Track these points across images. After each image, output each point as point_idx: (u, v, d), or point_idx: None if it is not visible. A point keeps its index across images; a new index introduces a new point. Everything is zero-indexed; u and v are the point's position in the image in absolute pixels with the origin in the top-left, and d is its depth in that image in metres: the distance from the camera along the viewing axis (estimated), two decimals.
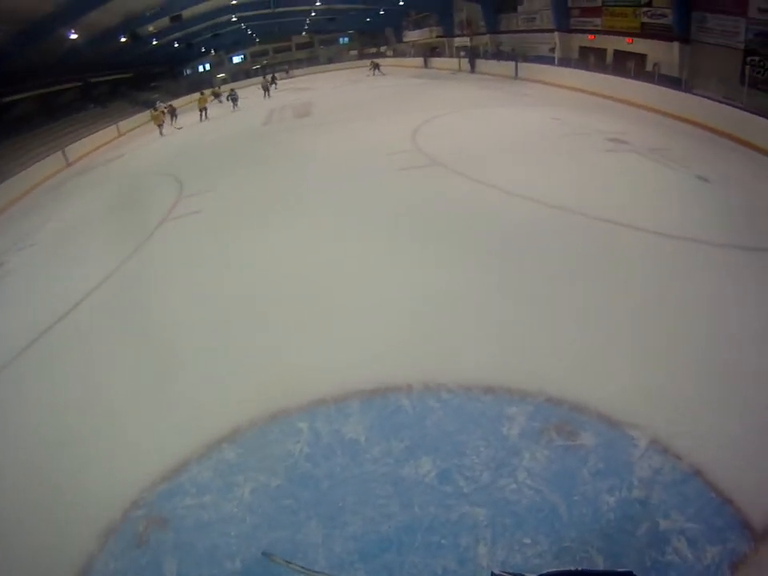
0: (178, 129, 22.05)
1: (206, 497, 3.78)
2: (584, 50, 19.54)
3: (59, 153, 20.06)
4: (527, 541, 3.12)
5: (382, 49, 41.37)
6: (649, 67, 15.75)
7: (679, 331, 4.76)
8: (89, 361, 5.87)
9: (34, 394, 5.47)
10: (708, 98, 12.11)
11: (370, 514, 3.42)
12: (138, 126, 27.58)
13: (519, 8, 23.52)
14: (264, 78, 30.81)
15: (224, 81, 39.13)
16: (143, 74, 36.44)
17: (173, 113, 23.54)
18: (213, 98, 26.37)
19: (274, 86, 29.71)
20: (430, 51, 31.76)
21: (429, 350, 4.92)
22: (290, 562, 3.05)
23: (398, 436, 3.99)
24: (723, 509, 3.14)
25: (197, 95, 26.29)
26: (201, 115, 23.48)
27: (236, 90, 26.61)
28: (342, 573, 3.09)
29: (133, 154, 18.83)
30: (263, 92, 27.59)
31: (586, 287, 5.61)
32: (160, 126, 21.59)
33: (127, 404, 5.00)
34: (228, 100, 25.64)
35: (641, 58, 16.44)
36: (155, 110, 24.50)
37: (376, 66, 30.62)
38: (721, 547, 2.95)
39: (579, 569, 2.82)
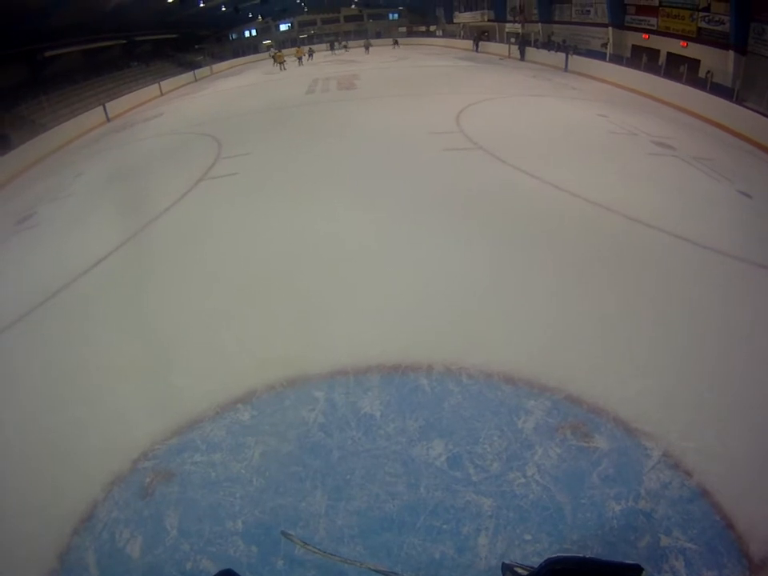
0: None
1: (215, 455, 3.83)
2: (637, 49, 18.92)
3: (100, 108, 20.38)
4: (528, 537, 3.09)
5: (432, 28, 40.46)
6: (701, 74, 15.16)
7: (708, 345, 4.62)
8: (113, 311, 5.97)
9: (61, 340, 5.60)
10: (760, 112, 11.64)
11: (376, 490, 3.42)
12: (181, 86, 27.81)
13: None
14: (332, 42, 36.99)
15: (269, 48, 39.68)
16: (188, 36, 36.48)
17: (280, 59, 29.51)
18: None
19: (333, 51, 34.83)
20: (479, 35, 30.99)
21: (451, 334, 4.89)
22: (306, 543, 3.07)
23: (413, 415, 3.98)
24: (725, 534, 3.07)
25: (242, 59, 36.05)
26: (299, 61, 29.74)
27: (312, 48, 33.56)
28: (341, 547, 3.10)
29: (173, 113, 18.85)
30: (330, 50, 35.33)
31: (612, 288, 5.47)
32: (282, 63, 28.23)
33: (153, 353, 5.12)
34: (308, 55, 31.34)
35: (694, 63, 15.83)
36: (278, 51, 31.64)
37: (395, 42, 35.89)
38: (717, 573, 2.89)
39: (587, 555, 2.80)
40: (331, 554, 3.03)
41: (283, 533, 3.17)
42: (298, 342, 4.95)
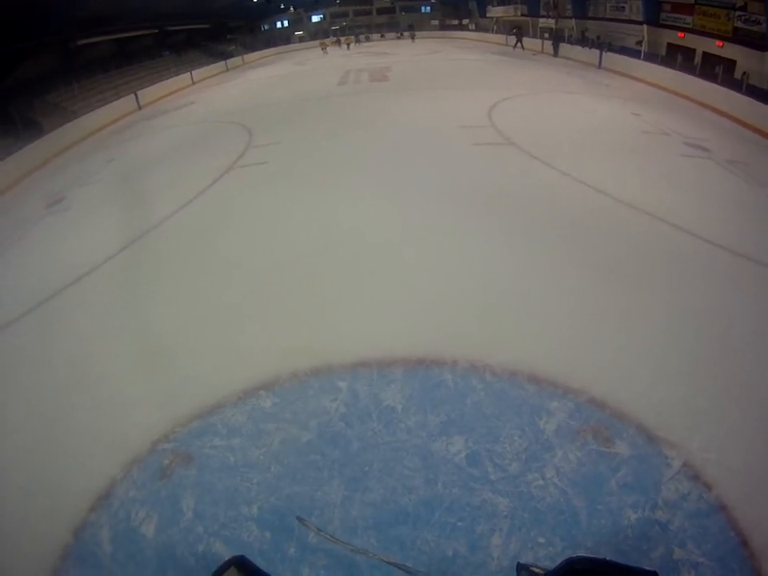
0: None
1: (235, 440, 3.89)
2: (672, 48, 18.43)
3: (131, 96, 20.68)
4: (542, 540, 3.07)
5: (464, 22, 40.06)
6: (737, 75, 14.69)
7: (738, 355, 4.48)
8: (139, 296, 6.09)
9: (88, 324, 5.73)
10: None
11: (393, 483, 3.43)
12: (212, 76, 28.09)
13: None
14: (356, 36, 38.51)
15: (301, 39, 40.65)
16: (220, 26, 36.75)
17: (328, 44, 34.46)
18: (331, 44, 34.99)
19: (356, 44, 36.01)
20: (512, 29, 30.34)
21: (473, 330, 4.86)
22: (320, 530, 3.10)
23: (435, 410, 3.97)
24: (739, 551, 3.01)
25: (274, 50, 38.02)
26: (347, 47, 34.38)
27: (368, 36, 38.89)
28: (354, 538, 3.12)
29: (204, 102, 19.03)
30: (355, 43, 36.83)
31: (640, 290, 5.35)
32: (324, 49, 32.55)
33: (177, 337, 5.21)
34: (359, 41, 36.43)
35: (730, 63, 15.34)
36: (336, 37, 36.95)
37: (412, 36, 36.67)
38: None
39: (606, 558, 2.78)
40: (345, 543, 3.05)
41: (299, 518, 3.20)
42: (322, 332, 4.97)
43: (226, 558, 2.25)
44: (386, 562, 2.93)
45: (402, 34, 38.55)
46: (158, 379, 4.66)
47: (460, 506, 3.27)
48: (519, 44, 26.79)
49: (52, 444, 4.18)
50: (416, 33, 37.18)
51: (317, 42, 35.79)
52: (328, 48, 33.30)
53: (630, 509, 3.21)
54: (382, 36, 39.62)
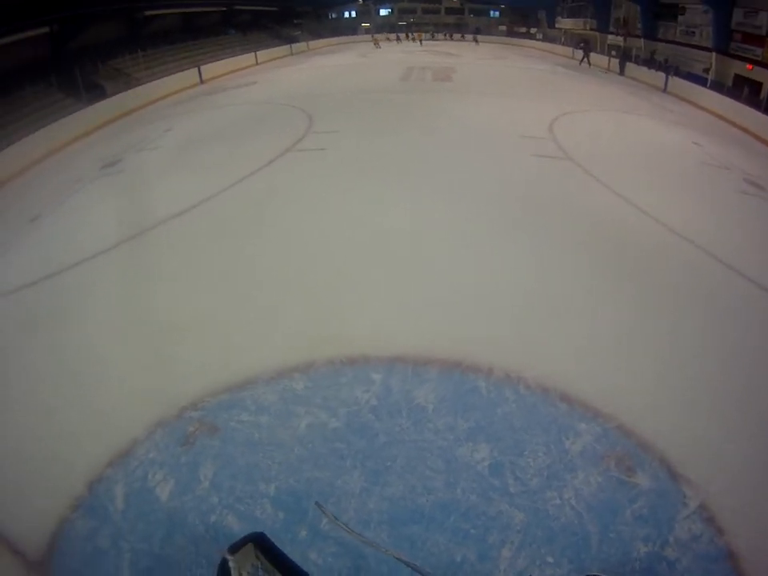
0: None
1: (263, 417, 3.97)
2: (738, 79, 17.75)
3: (194, 69, 21.16)
4: (550, 560, 3.07)
5: (532, 30, 39.49)
6: None
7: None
8: (180, 265, 6.29)
9: (126, 287, 5.99)
10: None
11: (414, 482, 3.47)
12: (277, 58, 28.38)
13: (680, 18, 21.60)
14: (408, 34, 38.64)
15: (367, 31, 40.72)
16: (288, 10, 37.14)
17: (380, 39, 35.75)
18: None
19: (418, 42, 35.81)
20: (580, 44, 29.49)
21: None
22: (337, 519, 3.13)
23: (465, 415, 3.98)
24: None
25: (339, 39, 38.05)
26: (420, 42, 35.31)
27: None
28: (366, 530, 3.17)
29: (267, 83, 19.29)
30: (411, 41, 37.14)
31: (682, 325, 5.21)
32: (376, 44, 33.41)
33: (214, 311, 5.35)
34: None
35: None
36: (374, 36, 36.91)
37: (475, 39, 37.13)
38: None
39: None
40: (358, 534, 3.07)
41: (317, 504, 3.26)
42: (362, 323, 5.03)
43: (245, 534, 2.30)
44: (397, 558, 2.97)
45: (462, 36, 38.62)
46: (202, 346, 4.84)
47: (476, 513, 3.29)
48: (586, 59, 25.90)
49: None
50: (479, 36, 37.29)
51: (380, 36, 36.44)
52: (380, 43, 34.11)
53: (641, 542, 3.19)
54: (445, 36, 39.41)
